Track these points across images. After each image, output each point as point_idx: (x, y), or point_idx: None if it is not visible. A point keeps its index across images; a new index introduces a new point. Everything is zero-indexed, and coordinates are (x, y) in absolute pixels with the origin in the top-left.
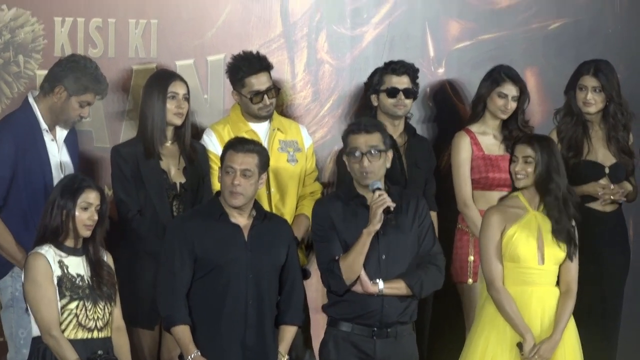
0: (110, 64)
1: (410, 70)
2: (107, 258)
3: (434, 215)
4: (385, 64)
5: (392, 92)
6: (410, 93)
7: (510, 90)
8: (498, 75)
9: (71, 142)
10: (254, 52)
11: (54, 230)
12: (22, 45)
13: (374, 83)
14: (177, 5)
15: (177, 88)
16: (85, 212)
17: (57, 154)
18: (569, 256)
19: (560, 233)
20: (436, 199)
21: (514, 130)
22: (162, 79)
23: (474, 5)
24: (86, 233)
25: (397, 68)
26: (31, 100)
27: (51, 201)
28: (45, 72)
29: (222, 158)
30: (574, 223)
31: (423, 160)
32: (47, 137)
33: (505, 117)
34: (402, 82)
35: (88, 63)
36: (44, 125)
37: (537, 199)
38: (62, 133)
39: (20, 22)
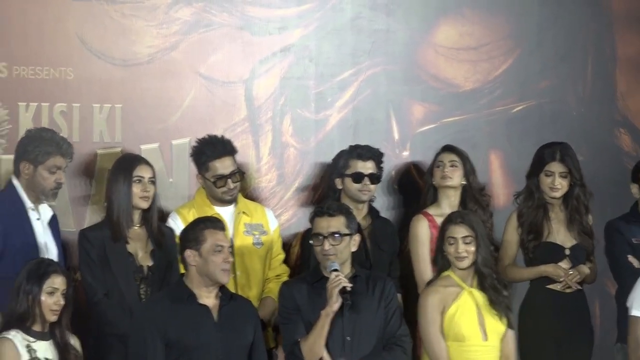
0: (75, 148)
1: (375, 155)
2: (74, 341)
3: (398, 297)
4: (351, 147)
5: (358, 177)
6: (375, 178)
7: (446, 157)
8: (439, 150)
9: (55, 226)
10: (219, 136)
11: (20, 315)
12: None
13: (339, 167)
14: (142, 89)
15: (143, 172)
16: (52, 297)
17: (42, 234)
18: (509, 325)
19: (499, 305)
20: (401, 281)
21: (470, 204)
22: (127, 162)
23: (437, 88)
24: (53, 318)
25: (363, 153)
26: (15, 181)
27: (17, 286)
28: (10, 156)
29: (200, 239)
30: (505, 292)
31: (387, 242)
32: (33, 216)
33: (448, 183)
34: (367, 167)
35: (42, 131)
36: (29, 204)
37: (471, 275)
38: (46, 214)
39: None
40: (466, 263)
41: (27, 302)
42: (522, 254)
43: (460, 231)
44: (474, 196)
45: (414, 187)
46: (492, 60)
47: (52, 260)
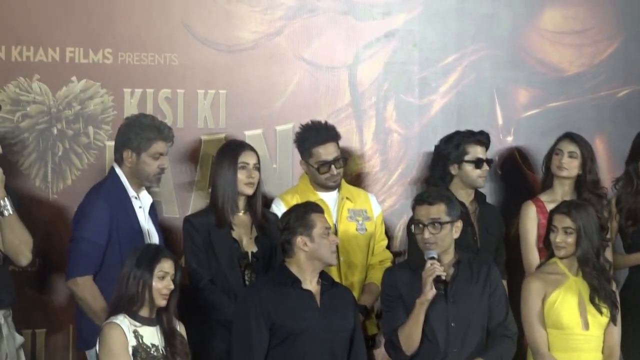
0: (179, 134)
1: (488, 140)
2: (180, 328)
3: (504, 283)
4: (465, 133)
5: (479, 163)
6: (490, 163)
7: (566, 146)
8: (560, 136)
9: (154, 213)
10: (322, 121)
11: (129, 299)
12: (91, 116)
13: (457, 153)
14: (246, 75)
15: (248, 158)
16: (162, 282)
17: (145, 222)
18: (613, 320)
19: (602, 298)
20: (506, 267)
21: (585, 193)
22: (232, 149)
23: (542, 73)
24: (162, 302)
25: (482, 139)
26: (118, 169)
27: (127, 272)
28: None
29: (309, 224)
30: (614, 286)
31: (493, 227)
32: (136, 204)
33: (562, 174)
34: (484, 152)
35: (142, 117)
36: (132, 193)
37: (576, 264)
38: (147, 202)
39: (90, 94)
40: (563, 253)
41: (138, 287)
42: (621, 239)
43: (563, 221)
44: (589, 186)
45: (517, 172)
46: (597, 44)
47: (160, 245)
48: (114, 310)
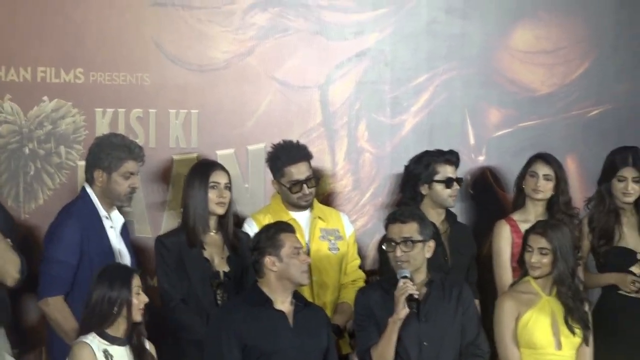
0: (151, 154)
1: (458, 159)
2: (150, 347)
3: (476, 303)
4: (434, 152)
5: (449, 183)
6: (460, 181)
7: (540, 168)
8: (532, 157)
9: (125, 233)
10: (294, 141)
11: (100, 319)
12: (63, 136)
13: (427, 173)
14: (218, 95)
15: (219, 177)
16: (139, 297)
17: (116, 241)
18: (585, 341)
19: (575, 318)
20: (479, 286)
21: (557, 214)
22: (203, 168)
23: (513, 92)
24: (139, 317)
25: (451, 158)
26: (89, 189)
27: (99, 295)
28: None
29: (277, 244)
30: (587, 307)
31: (465, 247)
32: (107, 224)
33: (537, 197)
34: (454, 172)
35: (112, 137)
36: (103, 212)
37: (550, 284)
38: (118, 222)
39: (62, 113)
40: (538, 273)
41: (114, 308)
42: (594, 259)
43: (539, 242)
44: (562, 207)
45: (489, 191)
46: (568, 63)
47: (121, 264)
48: (83, 329)
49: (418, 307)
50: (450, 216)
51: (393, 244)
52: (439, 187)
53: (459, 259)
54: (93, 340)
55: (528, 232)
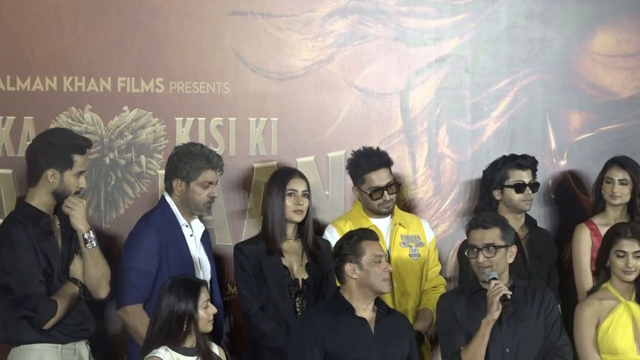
0: (232, 162)
1: (533, 163)
2: (219, 351)
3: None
4: (508, 157)
5: (520, 187)
6: (535, 186)
7: (616, 174)
8: (607, 163)
9: (206, 241)
10: (374, 147)
11: (171, 334)
12: (143, 145)
13: (499, 177)
14: (297, 102)
15: (296, 185)
16: (207, 310)
17: (196, 250)
18: None
19: None
20: (561, 291)
21: (637, 216)
22: (281, 176)
23: (594, 96)
24: (210, 327)
25: (523, 162)
26: (168, 198)
27: (167, 309)
28: None
29: (358, 251)
30: None
31: (545, 252)
32: (187, 232)
33: (615, 202)
34: (527, 175)
35: (191, 146)
36: (182, 221)
37: (631, 288)
38: (199, 230)
39: (142, 123)
40: (633, 277)
41: (184, 322)
42: None
43: (632, 245)
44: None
45: (571, 196)
46: None
47: (188, 276)
48: (154, 343)
49: (512, 307)
50: (529, 221)
51: (475, 249)
52: (509, 192)
53: (538, 265)
54: (165, 354)
55: (613, 237)
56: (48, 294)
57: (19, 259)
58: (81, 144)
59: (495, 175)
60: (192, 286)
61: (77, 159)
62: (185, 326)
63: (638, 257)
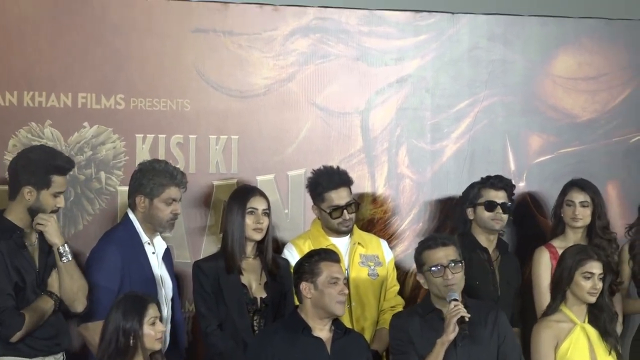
0: (191, 180)
1: (507, 185)
2: None
3: (517, 331)
4: (485, 178)
5: (490, 206)
6: (507, 208)
7: (577, 197)
8: (566, 185)
9: (168, 259)
10: (335, 166)
11: (118, 352)
12: (103, 161)
13: (471, 197)
14: (258, 121)
15: (257, 203)
16: (154, 327)
17: (158, 267)
18: (619, 358)
19: (609, 339)
20: (520, 314)
21: (595, 239)
22: (242, 194)
23: (555, 119)
24: (159, 345)
25: (495, 182)
26: (131, 215)
27: (114, 326)
28: (126, 188)
29: (315, 271)
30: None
31: (513, 278)
32: (149, 250)
33: (577, 225)
34: (499, 196)
35: (155, 163)
36: (145, 238)
37: (584, 311)
38: (161, 248)
39: (102, 139)
40: (595, 299)
41: (129, 340)
42: (635, 286)
43: (598, 267)
44: (599, 232)
45: (529, 218)
46: (610, 90)
47: (140, 292)
48: None
49: (470, 330)
50: (502, 245)
51: (441, 267)
52: (481, 210)
53: (507, 289)
54: None
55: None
56: (17, 308)
57: None
58: (62, 165)
59: (469, 193)
60: (139, 302)
61: (56, 179)
62: (132, 345)
63: (601, 279)
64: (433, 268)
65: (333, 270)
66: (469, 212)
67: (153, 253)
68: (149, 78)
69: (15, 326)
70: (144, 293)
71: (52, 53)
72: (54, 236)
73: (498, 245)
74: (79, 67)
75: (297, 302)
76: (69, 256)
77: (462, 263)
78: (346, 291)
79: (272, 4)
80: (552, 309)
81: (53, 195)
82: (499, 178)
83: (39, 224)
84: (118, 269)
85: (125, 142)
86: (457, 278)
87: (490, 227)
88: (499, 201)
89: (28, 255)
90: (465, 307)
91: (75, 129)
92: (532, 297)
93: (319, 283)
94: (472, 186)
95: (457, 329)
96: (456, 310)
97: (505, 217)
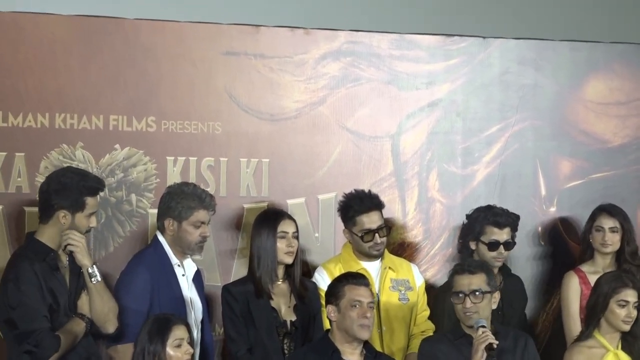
0: (222, 203)
1: (512, 221)
2: None
3: None
4: (489, 212)
5: (493, 246)
6: (510, 245)
7: (606, 222)
8: (595, 210)
9: (198, 282)
10: (366, 190)
11: None
12: (134, 184)
13: (475, 230)
14: (289, 144)
15: (287, 227)
16: (179, 349)
17: (187, 290)
18: None
19: None
20: (551, 337)
21: (624, 264)
22: (271, 218)
23: (586, 143)
24: None
25: (500, 221)
26: (160, 237)
27: (140, 349)
28: (157, 210)
29: (338, 294)
30: None
31: (517, 300)
32: (179, 272)
33: (607, 251)
34: (503, 235)
35: (184, 186)
36: (175, 260)
37: (617, 338)
38: (191, 270)
39: (133, 162)
40: (629, 327)
41: None
42: None
43: (633, 295)
44: (628, 257)
45: (560, 243)
46: None
47: (169, 314)
48: None
49: (495, 356)
50: (504, 269)
51: (462, 295)
52: (483, 247)
53: (510, 312)
54: None
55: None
56: (52, 329)
57: (23, 294)
58: (94, 186)
59: (474, 225)
60: (163, 324)
61: (89, 201)
62: None
63: (636, 307)
64: (455, 294)
65: (355, 294)
66: (472, 244)
67: (183, 275)
68: (180, 101)
69: (52, 348)
70: (172, 314)
71: (83, 75)
72: (84, 257)
73: (500, 269)
74: (111, 89)
75: (328, 326)
76: (99, 277)
77: (489, 294)
78: (368, 314)
79: (303, 28)
80: (585, 335)
81: (87, 216)
82: (504, 214)
83: (70, 244)
84: (147, 291)
85: (157, 165)
86: (477, 307)
87: (491, 265)
88: (502, 240)
89: (61, 277)
90: (495, 334)
91: (106, 151)
92: (561, 321)
93: (341, 306)
94: (477, 217)
95: (484, 355)
96: (484, 337)
97: (507, 253)
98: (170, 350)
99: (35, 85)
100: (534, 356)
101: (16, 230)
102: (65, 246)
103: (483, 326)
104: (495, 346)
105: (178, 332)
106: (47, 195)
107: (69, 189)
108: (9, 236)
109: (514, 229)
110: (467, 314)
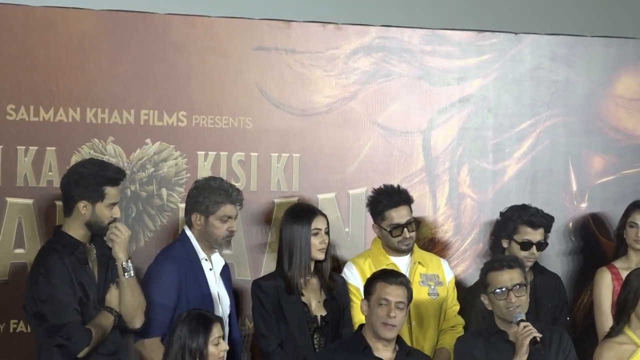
0: (253, 198)
1: (546, 222)
2: None
3: None
4: (523, 211)
5: (526, 246)
6: (542, 246)
7: (639, 218)
8: (629, 206)
9: (226, 276)
10: (395, 185)
11: None
12: (165, 178)
13: (509, 229)
14: (319, 139)
15: (320, 224)
16: (217, 347)
17: (215, 284)
18: None
19: None
20: (582, 333)
21: None
22: (304, 214)
23: (617, 139)
24: None
25: (535, 221)
26: (188, 232)
27: (179, 345)
28: None
29: (371, 290)
30: None
31: (548, 298)
32: (206, 266)
33: (639, 247)
34: (536, 235)
35: (210, 181)
36: (202, 255)
37: None
38: (218, 265)
39: (164, 156)
40: None
41: (194, 357)
42: None
43: None
44: None
45: (591, 239)
46: None
47: (204, 311)
48: None
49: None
50: (536, 266)
51: (505, 289)
52: (515, 246)
53: (540, 310)
54: None
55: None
56: (83, 323)
57: (54, 287)
58: (113, 176)
59: (507, 224)
60: (205, 321)
61: (109, 190)
62: None
63: None
64: (497, 290)
65: (384, 292)
66: (504, 242)
67: (210, 270)
68: (211, 95)
69: (84, 341)
70: (208, 311)
71: (114, 70)
72: (121, 250)
73: (532, 266)
74: (141, 84)
75: (356, 321)
76: (132, 272)
77: (526, 287)
78: (393, 314)
79: (334, 23)
80: (615, 331)
81: (108, 206)
82: (539, 215)
83: (113, 233)
84: (174, 286)
85: (187, 159)
86: (520, 301)
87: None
88: (535, 241)
89: (90, 271)
90: None
91: (137, 146)
92: (593, 316)
93: (371, 302)
94: (511, 215)
95: (528, 350)
96: (527, 330)
97: (538, 254)
98: (210, 348)
99: (66, 81)
100: (570, 351)
101: (47, 224)
102: (107, 235)
103: (523, 320)
104: (538, 339)
105: (216, 330)
106: (67, 187)
107: (87, 178)
108: (39, 230)
109: (548, 229)
110: (511, 308)
